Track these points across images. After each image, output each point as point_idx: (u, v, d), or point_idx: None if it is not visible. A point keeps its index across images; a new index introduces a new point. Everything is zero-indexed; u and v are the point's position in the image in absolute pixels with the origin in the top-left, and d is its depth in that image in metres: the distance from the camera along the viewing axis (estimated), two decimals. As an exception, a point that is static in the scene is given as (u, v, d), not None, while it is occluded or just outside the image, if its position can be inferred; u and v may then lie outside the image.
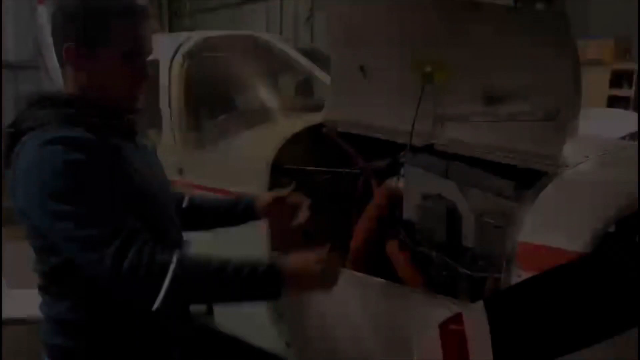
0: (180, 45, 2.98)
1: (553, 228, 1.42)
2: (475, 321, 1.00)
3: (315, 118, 2.47)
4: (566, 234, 1.38)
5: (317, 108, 2.62)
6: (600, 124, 1.99)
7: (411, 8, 1.81)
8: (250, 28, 10.41)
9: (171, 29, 12.61)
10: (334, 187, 2.30)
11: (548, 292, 1.11)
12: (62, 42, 1.25)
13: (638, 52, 5.62)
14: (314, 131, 2.42)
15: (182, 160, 2.74)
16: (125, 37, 1.25)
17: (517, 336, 1.07)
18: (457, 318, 1.00)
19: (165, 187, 1.43)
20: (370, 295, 1.87)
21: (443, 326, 1.00)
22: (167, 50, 3.02)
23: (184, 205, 1.70)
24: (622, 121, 3.29)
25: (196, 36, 3.08)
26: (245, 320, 2.54)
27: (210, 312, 2.65)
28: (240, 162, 2.42)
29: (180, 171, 2.73)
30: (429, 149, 1.95)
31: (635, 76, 5.66)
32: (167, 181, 1.48)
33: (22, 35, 11.20)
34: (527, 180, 1.59)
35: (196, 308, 2.62)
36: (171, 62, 2.91)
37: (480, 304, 1.01)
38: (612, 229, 1.38)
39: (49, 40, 1.70)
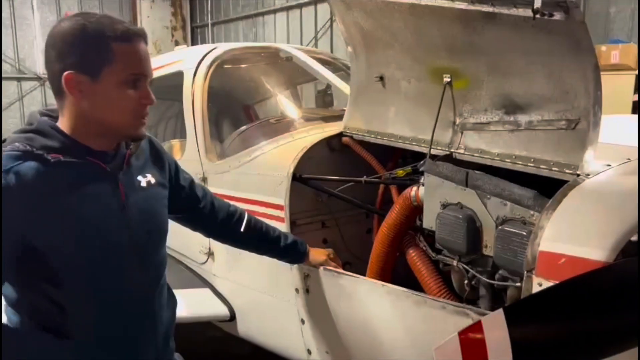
0: (203, 57, 3.04)
1: (574, 237, 1.41)
2: (495, 329, 1.01)
3: (335, 128, 2.50)
4: (588, 243, 1.37)
5: (337, 118, 2.66)
6: (622, 131, 1.97)
7: (430, 18, 1.83)
8: (270, 39, 10.57)
9: (193, 42, 12.84)
10: (355, 195, 2.32)
11: (569, 301, 1.11)
12: (60, 71, 1.23)
13: (639, 52, 5.52)
14: (334, 141, 2.45)
15: (206, 169, 2.80)
16: (129, 59, 1.24)
17: (537, 345, 1.07)
18: (477, 326, 1.01)
19: (137, 226, 1.36)
20: (391, 303, 1.88)
21: (463, 334, 1.01)
22: (190, 62, 3.09)
23: (242, 230, 1.84)
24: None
25: (219, 49, 3.15)
26: (267, 327, 2.57)
27: (232, 318, 2.69)
28: (261, 172, 2.47)
29: (204, 180, 2.79)
30: (449, 157, 1.96)
31: (635, 79, 5.55)
32: (147, 219, 1.41)
33: (51, 48, 11.57)
34: (547, 189, 1.59)
35: (218, 314, 2.68)
36: (194, 74, 2.98)
37: (500, 312, 1.02)
38: (634, 238, 1.37)
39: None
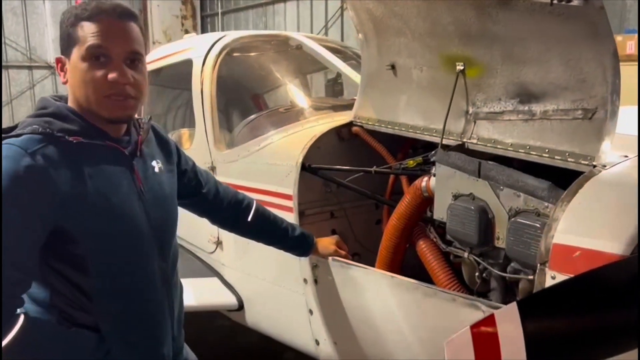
0: (213, 45, 3.02)
1: (589, 230, 1.38)
2: (509, 323, 0.98)
3: (345, 117, 2.47)
4: (603, 235, 1.34)
5: (347, 107, 2.62)
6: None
7: (443, 5, 1.79)
8: (280, 28, 10.51)
9: (203, 31, 12.82)
10: (364, 185, 2.30)
11: (584, 295, 1.08)
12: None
13: (639, 49, 5.43)
14: (343, 130, 2.42)
15: (215, 158, 2.79)
16: (90, 35, 1.22)
17: (551, 339, 1.05)
18: (489, 319, 0.99)
19: (153, 212, 1.36)
20: (400, 295, 1.86)
21: (475, 327, 0.98)
22: (199, 50, 3.07)
23: (249, 219, 1.82)
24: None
25: (228, 36, 3.12)
26: (275, 316, 2.56)
27: (240, 308, 2.69)
28: (270, 161, 2.45)
29: (213, 169, 2.78)
30: (461, 147, 1.92)
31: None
32: (162, 205, 1.41)
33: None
34: (562, 180, 1.55)
35: (226, 304, 2.68)
36: (203, 62, 2.96)
37: (513, 306, 0.99)
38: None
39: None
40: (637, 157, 1.57)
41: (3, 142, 1.19)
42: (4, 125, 1.31)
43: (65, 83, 1.29)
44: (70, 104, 1.31)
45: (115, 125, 1.32)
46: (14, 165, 1.14)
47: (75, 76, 1.25)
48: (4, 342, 1.10)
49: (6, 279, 1.11)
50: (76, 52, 1.24)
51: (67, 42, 1.26)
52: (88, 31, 1.23)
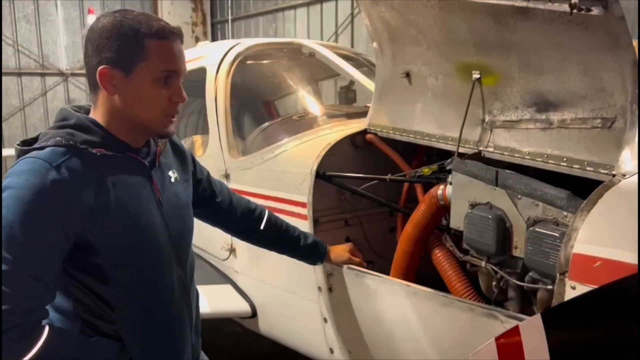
0: (226, 53, 3.04)
1: (610, 239, 1.37)
2: (533, 334, 0.97)
3: (359, 124, 2.47)
4: (624, 246, 1.33)
5: (361, 114, 2.63)
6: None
7: (459, 13, 1.79)
8: (290, 34, 10.55)
9: (213, 38, 12.90)
10: (378, 193, 2.30)
11: (608, 306, 1.07)
12: (95, 66, 1.24)
13: (638, 52, 5.39)
14: (358, 138, 2.42)
15: (229, 166, 2.80)
16: (163, 56, 1.24)
17: (576, 351, 1.04)
18: (514, 331, 0.98)
19: (171, 222, 1.37)
20: (416, 304, 1.85)
21: (500, 339, 0.98)
22: (213, 58, 3.09)
23: (262, 228, 1.83)
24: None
25: (242, 44, 3.14)
26: (289, 324, 2.56)
27: (253, 315, 2.68)
28: (284, 169, 2.45)
29: (227, 177, 2.78)
30: (477, 156, 1.92)
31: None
32: (180, 215, 1.42)
33: (73, 44, 11.74)
34: (582, 189, 1.54)
35: (239, 311, 2.68)
36: (217, 70, 2.97)
37: (538, 317, 0.98)
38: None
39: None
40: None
41: (27, 155, 1.20)
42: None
43: (112, 95, 1.26)
44: (101, 113, 1.29)
45: (139, 137, 1.33)
46: (40, 180, 1.15)
47: (137, 93, 1.25)
48: (31, 354, 1.11)
49: (30, 292, 1.13)
50: (143, 70, 1.23)
51: (130, 56, 1.23)
52: (160, 51, 1.24)
